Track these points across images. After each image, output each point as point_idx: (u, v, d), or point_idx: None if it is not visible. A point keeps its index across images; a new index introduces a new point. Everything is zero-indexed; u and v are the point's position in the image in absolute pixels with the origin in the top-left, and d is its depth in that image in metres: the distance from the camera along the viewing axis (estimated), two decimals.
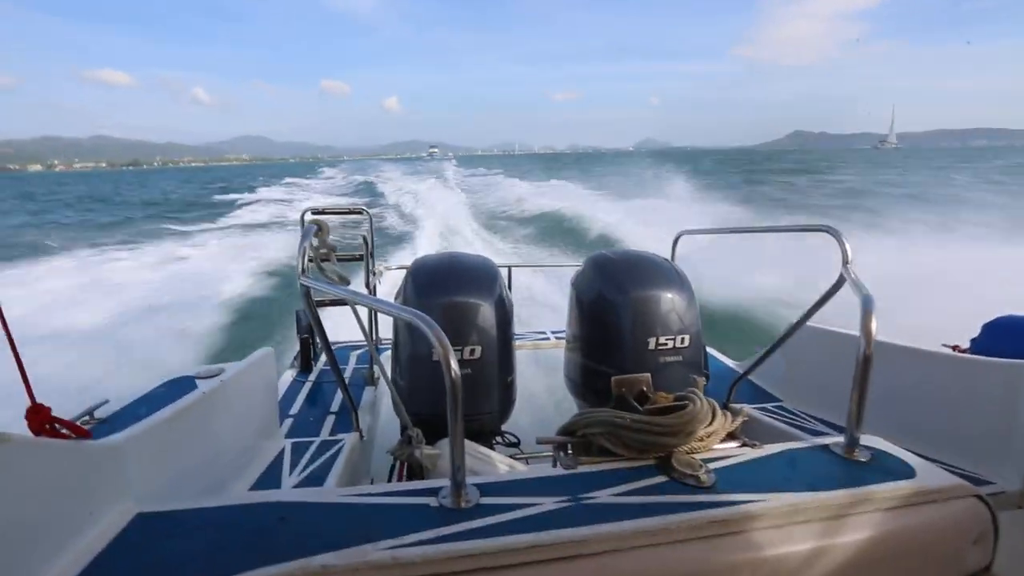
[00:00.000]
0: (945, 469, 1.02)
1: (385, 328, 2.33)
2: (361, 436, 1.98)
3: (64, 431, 1.14)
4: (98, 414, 1.48)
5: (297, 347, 2.83)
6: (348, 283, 1.63)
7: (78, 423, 1.32)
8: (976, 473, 1.46)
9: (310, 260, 1.41)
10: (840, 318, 1.71)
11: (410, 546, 0.79)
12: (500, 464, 1.51)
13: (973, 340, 1.80)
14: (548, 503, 0.90)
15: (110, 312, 7.23)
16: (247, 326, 7.18)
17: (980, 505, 0.96)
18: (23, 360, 1.07)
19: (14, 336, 1.06)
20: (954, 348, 1.80)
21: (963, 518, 0.96)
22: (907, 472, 1.00)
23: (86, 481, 0.91)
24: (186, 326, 6.77)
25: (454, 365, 0.88)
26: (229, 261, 10.82)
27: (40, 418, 1.10)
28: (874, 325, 1.09)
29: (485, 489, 0.94)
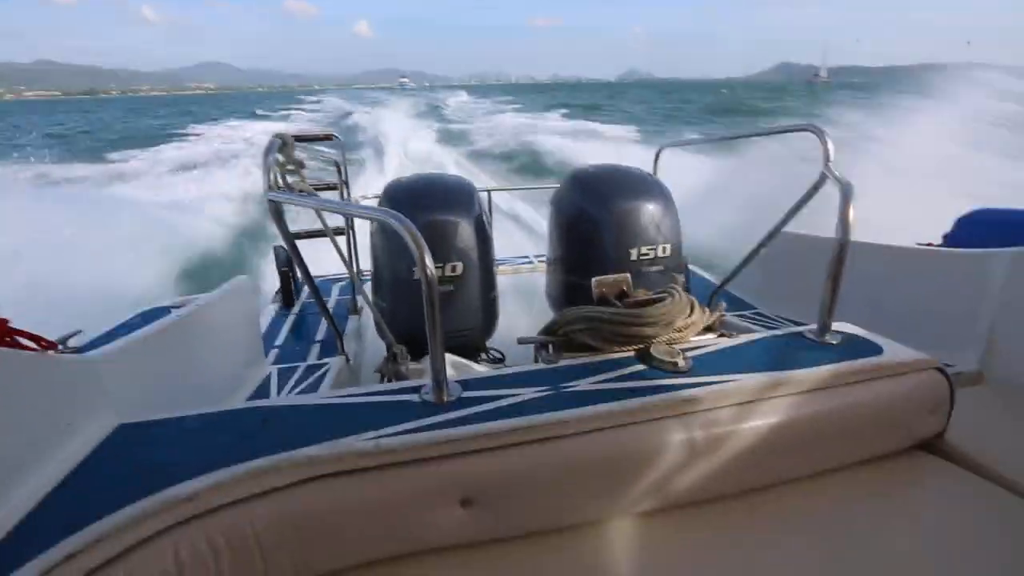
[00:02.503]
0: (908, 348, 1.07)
1: (365, 261, 2.33)
2: (347, 359, 1.98)
3: (27, 343, 1.05)
4: (72, 343, 1.46)
5: (277, 283, 2.78)
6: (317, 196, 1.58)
7: (29, 332, 1.24)
8: (938, 357, 1.56)
9: (278, 177, 1.37)
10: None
11: (393, 436, 0.81)
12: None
13: (946, 235, 1.83)
14: (528, 393, 0.92)
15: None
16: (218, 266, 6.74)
17: (939, 376, 1.02)
18: None
19: None
20: (928, 245, 1.82)
21: (924, 389, 1.01)
22: (875, 350, 1.04)
23: (60, 394, 0.89)
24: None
25: (429, 263, 0.88)
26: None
27: None
28: (852, 213, 1.09)
29: (467, 385, 0.96)
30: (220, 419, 0.92)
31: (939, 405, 1.03)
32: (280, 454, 0.78)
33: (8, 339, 1.02)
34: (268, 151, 1.36)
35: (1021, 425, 1.26)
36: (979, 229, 1.72)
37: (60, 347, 1.37)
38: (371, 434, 0.81)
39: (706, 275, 2.83)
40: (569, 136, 16.74)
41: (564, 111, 29.80)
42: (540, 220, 5.98)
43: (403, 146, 16.16)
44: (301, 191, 1.45)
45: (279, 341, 2.28)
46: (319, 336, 2.31)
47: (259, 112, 40.06)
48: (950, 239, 1.81)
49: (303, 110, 40.29)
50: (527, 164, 13.93)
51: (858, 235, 1.18)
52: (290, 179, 1.44)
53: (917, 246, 1.79)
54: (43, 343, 1.08)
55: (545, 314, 1.95)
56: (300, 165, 1.48)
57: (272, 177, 1.34)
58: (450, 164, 13.98)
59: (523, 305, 3.17)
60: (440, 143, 17.86)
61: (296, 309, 2.66)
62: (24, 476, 0.77)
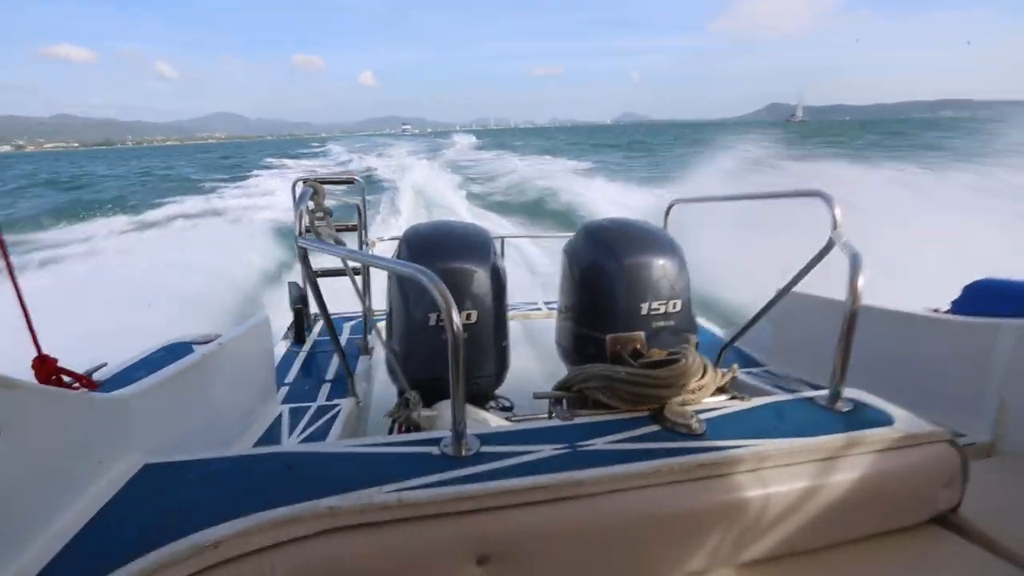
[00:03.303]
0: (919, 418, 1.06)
1: (378, 300, 2.32)
2: (357, 401, 2.01)
3: (71, 383, 1.11)
4: (96, 376, 1.46)
5: (290, 319, 2.83)
6: (344, 245, 1.59)
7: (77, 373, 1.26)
8: (950, 427, 1.49)
9: (307, 227, 1.37)
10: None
11: (414, 489, 0.81)
12: (494, 424, 1.54)
13: (954, 302, 1.85)
14: (545, 450, 0.93)
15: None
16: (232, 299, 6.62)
17: (952, 450, 1.01)
18: (29, 311, 1.05)
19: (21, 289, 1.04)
20: (935, 311, 1.85)
21: (936, 462, 1.00)
22: (886, 420, 1.04)
23: (94, 432, 0.92)
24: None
25: (456, 318, 0.88)
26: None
27: (47, 368, 1.07)
28: (861, 282, 1.12)
29: (485, 439, 0.98)
30: (244, 463, 0.93)
31: (953, 479, 1.00)
32: (303, 503, 0.79)
33: (56, 377, 1.09)
34: (301, 199, 1.44)
35: None
36: (987, 298, 1.72)
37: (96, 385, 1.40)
38: (392, 486, 0.82)
39: (715, 329, 2.86)
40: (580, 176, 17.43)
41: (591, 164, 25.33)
42: (544, 259, 6.27)
43: (413, 185, 16.35)
44: (328, 236, 1.53)
45: (290, 378, 2.29)
46: (329, 375, 2.33)
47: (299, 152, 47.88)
48: (958, 306, 1.81)
49: (318, 155, 44.58)
50: (532, 204, 13.99)
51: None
52: (317, 224, 1.48)
53: (925, 311, 1.81)
54: (86, 382, 1.14)
55: (554, 360, 2.06)
56: (328, 212, 1.56)
57: (302, 223, 1.39)
58: (456, 201, 14.56)
59: (532, 351, 3.21)
60: (448, 182, 18.34)
61: (307, 346, 2.69)
62: (58, 513, 0.79)
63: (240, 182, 23.00)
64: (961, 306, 1.80)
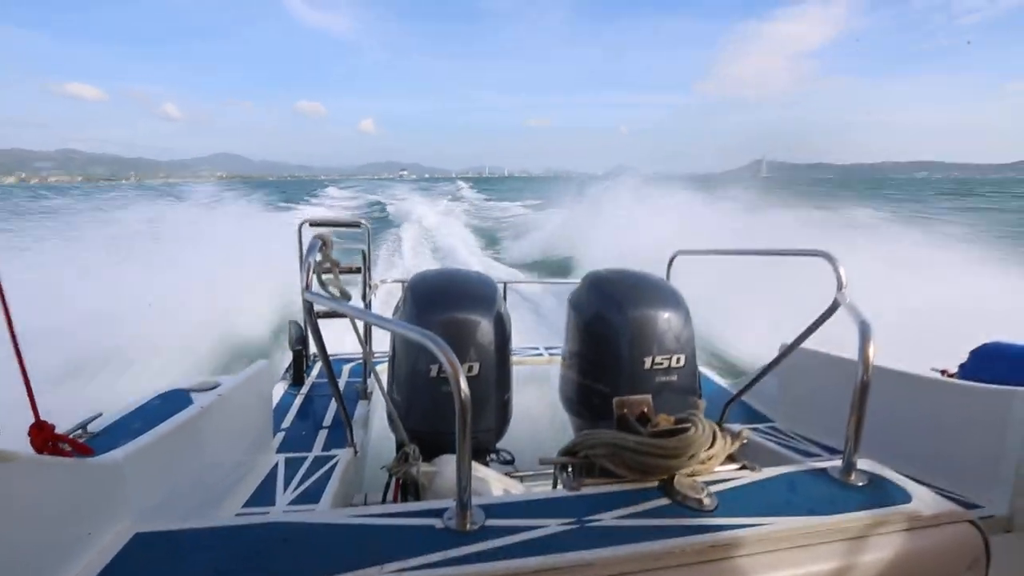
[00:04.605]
0: (936, 492, 1.03)
1: (379, 342, 2.30)
2: (355, 452, 1.96)
3: (67, 448, 1.10)
4: (91, 428, 1.44)
5: (289, 359, 2.82)
6: (350, 298, 1.60)
7: (72, 438, 1.24)
8: (965, 496, 1.47)
9: (314, 274, 1.40)
10: (829, 341, 1.76)
11: (418, 569, 0.78)
12: (496, 483, 1.51)
13: (961, 365, 1.86)
14: (553, 525, 0.90)
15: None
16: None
17: (973, 531, 0.97)
18: (30, 377, 1.03)
19: (22, 352, 1.02)
20: (943, 372, 1.85)
21: (958, 544, 0.96)
22: (903, 497, 1.01)
23: (86, 500, 0.90)
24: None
25: (464, 385, 0.86)
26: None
27: (44, 436, 1.06)
28: (872, 351, 1.09)
29: (490, 511, 0.94)
30: (238, 534, 0.89)
31: (976, 560, 0.96)
32: None
33: (52, 444, 1.06)
34: (310, 252, 1.38)
35: None
36: (994, 363, 1.71)
37: (80, 431, 1.40)
38: (394, 565, 0.79)
39: (720, 381, 2.85)
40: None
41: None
42: (546, 304, 6.28)
43: (416, 226, 16.95)
44: (335, 289, 1.52)
45: (286, 423, 2.26)
46: (327, 421, 2.28)
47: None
48: (966, 370, 1.81)
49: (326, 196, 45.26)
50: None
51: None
52: (324, 277, 1.48)
53: (933, 373, 1.81)
54: (81, 449, 1.12)
55: (555, 409, 2.05)
56: (336, 264, 1.52)
57: (309, 276, 1.36)
58: (455, 241, 15.20)
59: (533, 399, 3.13)
60: (449, 225, 19.32)
61: (305, 389, 2.67)
62: None
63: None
64: (969, 370, 1.80)
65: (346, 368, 3.05)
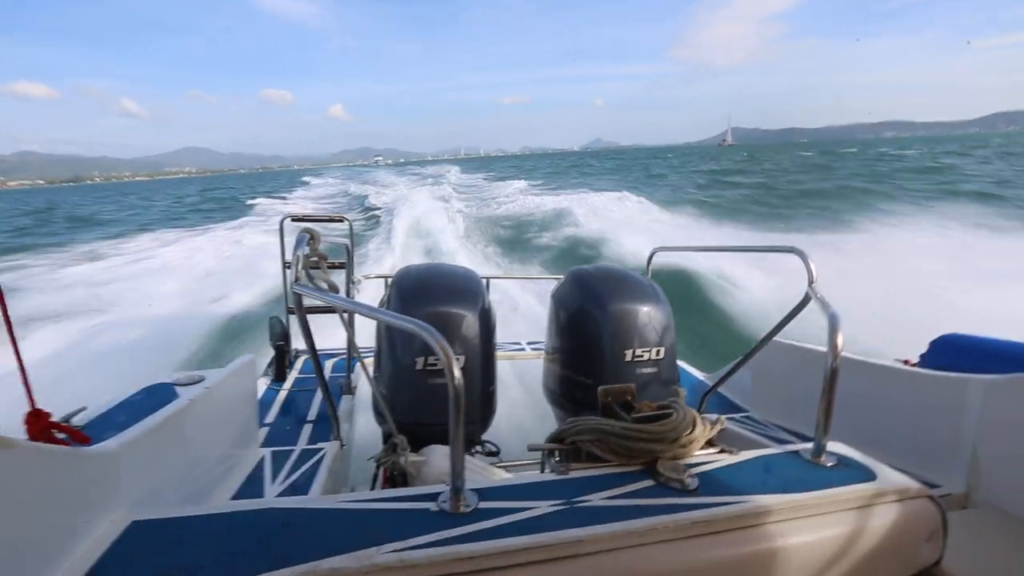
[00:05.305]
0: (899, 472, 1.08)
1: (364, 337, 2.29)
2: (341, 444, 1.98)
3: (62, 436, 1.09)
4: (75, 421, 1.42)
5: (271, 355, 2.80)
6: (338, 291, 1.60)
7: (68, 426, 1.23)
8: (925, 476, 1.52)
9: (303, 268, 1.41)
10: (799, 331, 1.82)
11: (415, 548, 0.81)
12: (483, 473, 1.54)
13: (922, 355, 1.96)
14: (543, 506, 0.93)
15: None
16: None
17: (932, 506, 1.02)
18: (25, 364, 1.03)
19: (16, 339, 1.02)
20: (905, 362, 1.94)
21: (918, 518, 1.01)
22: (869, 476, 1.06)
23: (83, 488, 0.90)
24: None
25: (457, 372, 0.88)
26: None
27: (40, 424, 1.06)
28: (840, 341, 1.15)
29: (483, 494, 0.97)
30: (237, 520, 0.90)
31: (934, 533, 1.03)
32: (303, 565, 0.77)
33: (48, 433, 1.05)
34: (298, 245, 1.39)
35: (1014, 551, 1.31)
36: (952, 353, 1.83)
37: (64, 424, 1.33)
38: (392, 545, 0.81)
39: (696, 372, 2.94)
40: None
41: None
42: (530, 301, 6.41)
43: (399, 214, 16.21)
44: (323, 282, 1.51)
45: (270, 419, 2.26)
46: (311, 415, 2.29)
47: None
48: (927, 360, 1.92)
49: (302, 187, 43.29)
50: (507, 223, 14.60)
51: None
52: (312, 270, 1.48)
53: (896, 362, 1.90)
54: (77, 436, 1.11)
55: (538, 401, 2.09)
56: (324, 258, 1.54)
57: (298, 269, 1.37)
58: (439, 225, 14.50)
59: (517, 392, 3.19)
60: (432, 208, 17.95)
61: (287, 384, 2.67)
62: (46, 574, 0.77)
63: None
64: (929, 359, 1.90)
65: (328, 363, 3.07)
